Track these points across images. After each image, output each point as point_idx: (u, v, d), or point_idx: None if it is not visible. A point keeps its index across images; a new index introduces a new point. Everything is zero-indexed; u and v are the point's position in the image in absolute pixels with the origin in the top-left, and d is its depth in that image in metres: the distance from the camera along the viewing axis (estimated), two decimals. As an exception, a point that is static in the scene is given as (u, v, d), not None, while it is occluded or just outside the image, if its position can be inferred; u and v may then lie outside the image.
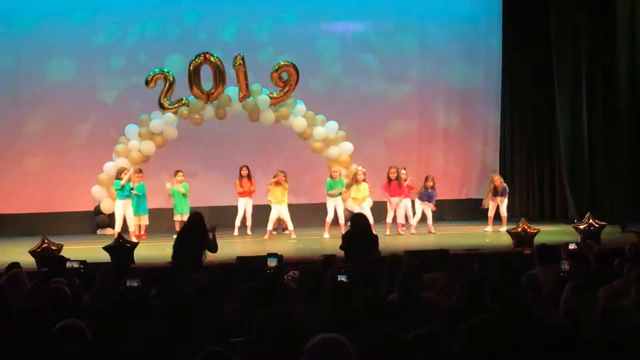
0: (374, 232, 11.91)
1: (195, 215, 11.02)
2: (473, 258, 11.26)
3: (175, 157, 17.73)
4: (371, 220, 16.05)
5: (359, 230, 11.20)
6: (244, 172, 16.80)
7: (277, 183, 16.12)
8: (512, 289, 6.79)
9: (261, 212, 16.56)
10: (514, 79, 19.44)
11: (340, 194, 16.34)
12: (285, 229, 16.67)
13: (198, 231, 10.65)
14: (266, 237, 15.93)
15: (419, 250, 11.37)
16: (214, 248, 10.69)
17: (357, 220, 11.53)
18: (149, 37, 18.50)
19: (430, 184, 16.70)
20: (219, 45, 17.71)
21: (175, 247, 10.61)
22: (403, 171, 16.54)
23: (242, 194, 16.75)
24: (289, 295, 6.98)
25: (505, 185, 16.84)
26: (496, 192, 16.68)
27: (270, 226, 16.12)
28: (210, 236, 10.70)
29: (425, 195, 16.70)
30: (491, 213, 16.68)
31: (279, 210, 16.17)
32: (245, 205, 16.79)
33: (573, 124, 18.15)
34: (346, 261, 10.01)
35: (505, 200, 16.78)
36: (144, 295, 7.00)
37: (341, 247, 11.06)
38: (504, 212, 16.69)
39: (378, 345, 4.73)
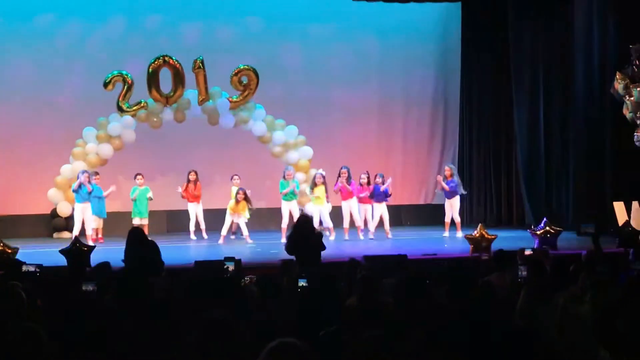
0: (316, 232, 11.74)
1: (135, 232, 10.76)
2: (430, 263, 11.36)
3: (133, 160, 17.62)
4: (330, 224, 16.16)
5: (302, 233, 11.09)
6: (192, 176, 16.69)
7: (238, 202, 16.04)
8: (465, 294, 6.84)
9: (218, 216, 16.48)
10: (472, 84, 19.68)
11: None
12: (238, 234, 16.66)
13: (139, 248, 10.42)
14: (220, 241, 15.85)
15: (377, 255, 11.39)
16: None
17: (301, 223, 11.41)
18: (109, 39, 18.37)
19: (379, 180, 16.52)
20: (180, 49, 17.65)
21: (130, 248, 10.49)
22: (363, 176, 16.50)
23: (189, 199, 16.67)
24: (247, 297, 6.97)
25: (455, 182, 16.63)
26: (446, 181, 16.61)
27: (224, 231, 16.02)
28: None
29: (381, 194, 16.57)
30: (447, 219, 16.74)
31: (235, 219, 16.14)
32: (195, 210, 16.72)
33: (529, 129, 18.37)
34: (303, 265, 10.01)
35: (457, 204, 16.78)
36: (100, 299, 6.96)
37: (287, 250, 10.98)
38: (456, 217, 16.71)
39: (336, 350, 4.75)
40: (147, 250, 10.13)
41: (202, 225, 16.70)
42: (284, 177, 16.30)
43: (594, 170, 16.86)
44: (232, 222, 16.31)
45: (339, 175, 16.33)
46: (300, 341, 3.80)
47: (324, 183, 16.36)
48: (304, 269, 8.78)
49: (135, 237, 10.36)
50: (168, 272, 9.31)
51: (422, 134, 20.04)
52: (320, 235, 11.21)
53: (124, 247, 10.10)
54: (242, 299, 6.62)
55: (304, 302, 6.51)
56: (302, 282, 7.48)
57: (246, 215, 16.27)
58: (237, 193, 16.09)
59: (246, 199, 16.07)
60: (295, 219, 15.96)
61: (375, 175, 16.57)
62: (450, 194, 16.64)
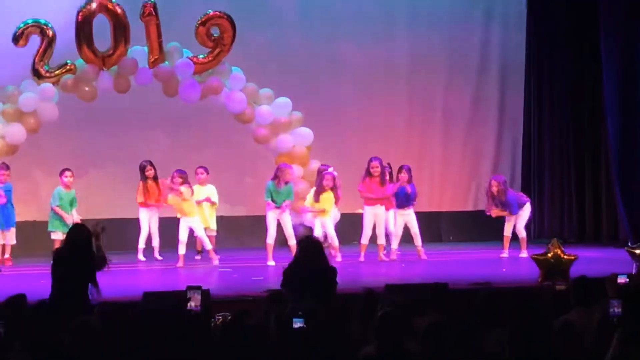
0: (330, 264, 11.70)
1: (76, 229, 10.95)
2: (481, 296, 11.35)
3: (54, 148, 17.63)
4: (336, 242, 16.19)
5: (306, 260, 11.05)
6: (149, 172, 16.69)
7: (173, 189, 16.00)
8: (539, 340, 6.84)
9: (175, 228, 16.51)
10: (543, 47, 19.63)
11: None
12: (200, 252, 16.72)
13: (81, 250, 10.58)
14: (179, 263, 15.87)
15: (404, 285, 11.40)
16: (101, 263, 10.63)
17: (305, 245, 11.38)
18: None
19: (404, 176, 16.55)
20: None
21: (52, 275, 10.54)
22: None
23: (146, 204, 16.67)
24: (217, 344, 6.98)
25: (509, 198, 16.71)
26: (494, 201, 16.68)
27: (181, 249, 15.99)
28: (95, 247, 10.62)
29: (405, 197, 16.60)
30: (508, 232, 16.76)
31: (190, 226, 16.10)
32: (149, 219, 16.75)
33: (627, 112, 18.35)
34: (300, 299, 10.00)
35: (526, 214, 16.83)
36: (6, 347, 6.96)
37: (282, 285, 10.97)
38: (521, 231, 16.76)
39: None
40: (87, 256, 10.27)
41: (156, 242, 16.74)
42: (275, 177, 16.22)
43: None
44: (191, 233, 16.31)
45: (368, 172, 16.28)
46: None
47: (335, 187, 16.30)
48: (301, 305, 8.77)
49: (76, 236, 10.54)
50: (102, 309, 9.33)
51: (471, 113, 20.03)
52: (333, 268, 11.16)
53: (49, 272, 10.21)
54: (209, 346, 6.64)
55: (298, 351, 6.49)
56: (297, 323, 7.47)
57: (211, 224, 16.32)
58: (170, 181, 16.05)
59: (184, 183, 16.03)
60: (286, 231, 16.09)
61: (400, 169, 16.62)
62: (514, 208, 16.71)
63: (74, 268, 10.46)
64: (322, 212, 16.27)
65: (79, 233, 10.81)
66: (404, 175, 16.59)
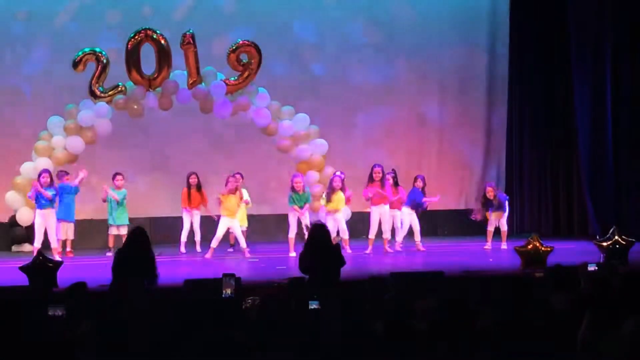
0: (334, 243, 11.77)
1: (136, 231, 10.92)
2: (472, 281, 11.37)
3: (108, 156, 17.66)
4: (346, 236, 16.17)
5: (317, 245, 11.07)
6: (193, 180, 16.71)
7: (231, 191, 15.97)
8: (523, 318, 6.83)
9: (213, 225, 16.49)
10: (524, 65, 19.57)
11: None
12: (233, 245, 16.72)
13: (138, 251, 10.54)
14: (208, 255, 15.85)
15: (407, 272, 11.39)
16: (153, 280, 10.55)
17: (314, 232, 11.41)
18: (80, 8, 18.40)
19: (420, 183, 16.71)
20: (166, 20, 17.75)
21: (114, 269, 10.52)
22: (388, 175, 16.51)
23: (185, 208, 16.73)
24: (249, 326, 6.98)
25: (500, 198, 16.75)
26: (488, 205, 16.68)
27: (215, 243, 15.98)
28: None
29: (417, 201, 16.69)
30: (491, 227, 16.73)
31: (230, 225, 16.07)
32: (191, 217, 16.79)
33: (595, 118, 18.27)
34: (315, 284, 10.02)
35: (506, 213, 16.83)
36: (72, 328, 6.95)
37: (301, 270, 11.01)
38: (504, 225, 16.76)
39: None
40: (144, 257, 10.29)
41: (198, 237, 16.76)
42: (292, 188, 16.27)
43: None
44: (229, 232, 16.27)
45: (371, 177, 16.30)
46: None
47: (343, 187, 16.33)
48: (318, 290, 8.77)
49: (137, 237, 10.47)
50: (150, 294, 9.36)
51: (463, 123, 19.98)
52: (338, 246, 11.23)
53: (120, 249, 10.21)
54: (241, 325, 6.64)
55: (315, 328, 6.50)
56: (313, 304, 7.47)
57: (244, 222, 16.34)
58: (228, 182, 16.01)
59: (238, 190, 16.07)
60: (305, 228, 16.08)
61: (415, 178, 16.75)
62: (505, 207, 16.73)
63: (133, 262, 10.43)
64: (335, 210, 16.28)
65: (138, 235, 10.76)
66: (419, 183, 16.72)
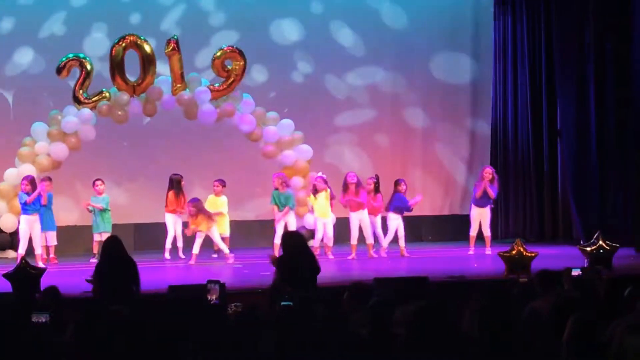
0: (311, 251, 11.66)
1: (108, 243, 10.86)
2: (457, 287, 11.37)
3: (92, 162, 17.59)
4: (330, 242, 16.17)
5: (291, 253, 10.97)
6: (182, 182, 16.71)
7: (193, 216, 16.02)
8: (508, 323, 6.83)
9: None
10: (507, 66, 19.60)
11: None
12: (217, 251, 16.69)
13: (115, 261, 10.51)
14: (191, 261, 15.84)
15: (391, 278, 11.39)
16: (137, 286, 10.56)
17: (287, 240, 11.30)
18: (64, 13, 18.34)
19: (402, 187, 16.64)
20: (150, 26, 17.74)
21: (94, 284, 10.51)
22: (370, 181, 16.52)
23: (174, 211, 16.68)
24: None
25: (493, 187, 16.70)
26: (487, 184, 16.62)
27: (196, 249, 15.96)
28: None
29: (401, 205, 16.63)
30: (474, 232, 16.76)
31: (209, 234, 16.11)
32: (174, 224, 16.72)
33: (579, 133, 18.32)
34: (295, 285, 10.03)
35: (488, 215, 16.84)
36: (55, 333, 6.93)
37: (280, 279, 10.87)
38: (487, 230, 16.78)
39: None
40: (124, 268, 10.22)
41: (180, 243, 16.70)
42: (276, 187, 16.28)
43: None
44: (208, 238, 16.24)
45: (346, 184, 16.28)
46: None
47: (327, 188, 16.29)
48: (297, 294, 8.74)
49: (112, 248, 10.39)
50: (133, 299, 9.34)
51: (446, 130, 19.98)
52: (313, 256, 11.12)
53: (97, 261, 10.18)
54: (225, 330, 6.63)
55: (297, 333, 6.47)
56: (285, 304, 7.49)
57: (225, 230, 16.35)
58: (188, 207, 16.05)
59: (201, 211, 15.99)
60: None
61: (397, 182, 16.69)
62: (483, 202, 16.67)
63: (113, 271, 10.42)
64: (324, 216, 16.26)
65: (112, 245, 10.75)
66: (402, 187, 16.66)
